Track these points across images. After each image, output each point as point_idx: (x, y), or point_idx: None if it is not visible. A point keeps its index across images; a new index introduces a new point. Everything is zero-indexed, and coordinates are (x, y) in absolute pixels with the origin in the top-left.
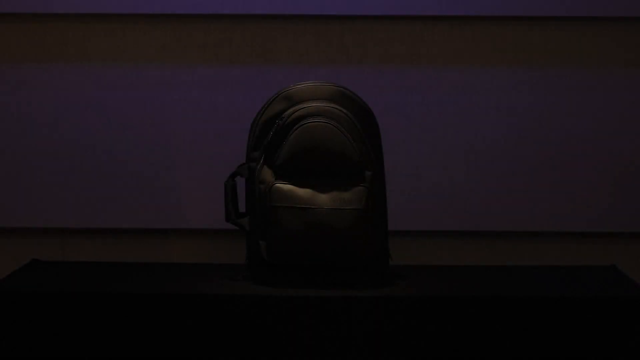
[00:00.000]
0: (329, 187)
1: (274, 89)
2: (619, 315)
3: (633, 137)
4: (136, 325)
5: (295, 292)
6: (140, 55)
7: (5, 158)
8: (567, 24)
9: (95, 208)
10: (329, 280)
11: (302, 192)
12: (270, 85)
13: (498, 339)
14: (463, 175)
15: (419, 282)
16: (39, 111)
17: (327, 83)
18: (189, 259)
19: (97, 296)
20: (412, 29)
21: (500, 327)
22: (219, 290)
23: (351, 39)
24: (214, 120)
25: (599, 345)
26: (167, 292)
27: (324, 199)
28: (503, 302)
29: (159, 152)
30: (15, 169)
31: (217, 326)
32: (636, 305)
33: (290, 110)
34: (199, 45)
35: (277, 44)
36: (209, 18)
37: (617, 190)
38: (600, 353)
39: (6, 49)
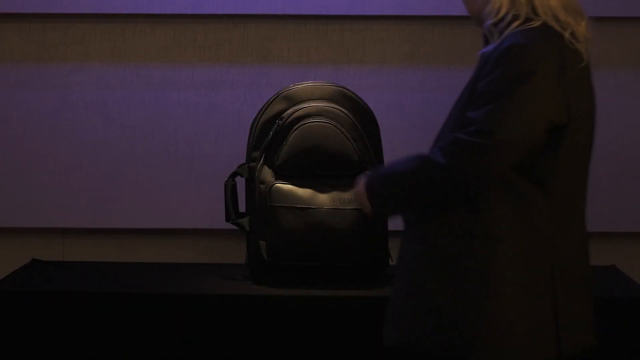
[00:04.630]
0: (329, 187)
1: (274, 89)
2: (619, 315)
3: (633, 138)
4: (136, 325)
5: (295, 292)
6: (140, 55)
7: (6, 158)
8: None
9: (95, 208)
10: (329, 280)
11: (302, 192)
12: (270, 85)
13: None
14: None
15: None
16: (39, 111)
17: (327, 83)
18: (189, 259)
19: (97, 296)
20: (412, 29)
21: None
22: (219, 290)
23: (351, 39)
24: (214, 120)
25: (599, 345)
26: (167, 292)
27: (324, 199)
28: None
29: (159, 152)
30: (16, 169)
31: (217, 326)
32: (636, 305)
33: (290, 110)
34: (199, 45)
35: (277, 44)
36: (209, 18)
37: (617, 190)
38: (601, 353)
39: (6, 49)
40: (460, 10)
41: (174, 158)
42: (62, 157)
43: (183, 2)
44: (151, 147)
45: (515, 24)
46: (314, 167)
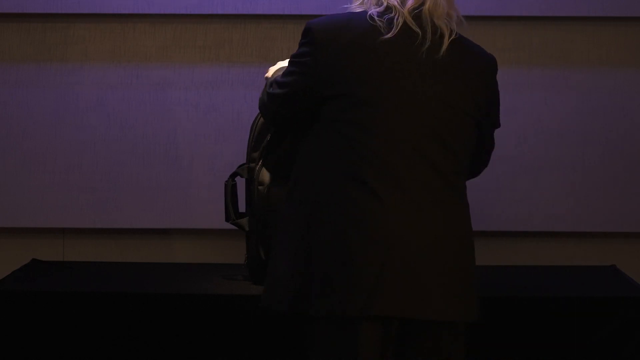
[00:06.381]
0: None
1: None
2: (619, 315)
3: (633, 138)
4: (136, 325)
5: None
6: (140, 55)
7: (6, 158)
8: (567, 24)
9: (95, 208)
10: None
11: None
12: None
13: (498, 338)
14: None
15: None
16: (39, 111)
17: None
18: (189, 259)
19: (97, 296)
20: None
21: (500, 327)
22: (219, 290)
23: None
24: (214, 120)
25: (599, 345)
26: (167, 292)
27: None
28: (503, 302)
29: (159, 152)
30: (16, 169)
31: (217, 326)
32: (636, 305)
33: None
34: (199, 45)
35: (277, 44)
36: (209, 18)
37: (617, 190)
38: (601, 353)
39: (6, 49)
40: (460, 10)
41: (174, 158)
42: (62, 157)
43: (183, 2)
44: (151, 147)
45: None
46: None
